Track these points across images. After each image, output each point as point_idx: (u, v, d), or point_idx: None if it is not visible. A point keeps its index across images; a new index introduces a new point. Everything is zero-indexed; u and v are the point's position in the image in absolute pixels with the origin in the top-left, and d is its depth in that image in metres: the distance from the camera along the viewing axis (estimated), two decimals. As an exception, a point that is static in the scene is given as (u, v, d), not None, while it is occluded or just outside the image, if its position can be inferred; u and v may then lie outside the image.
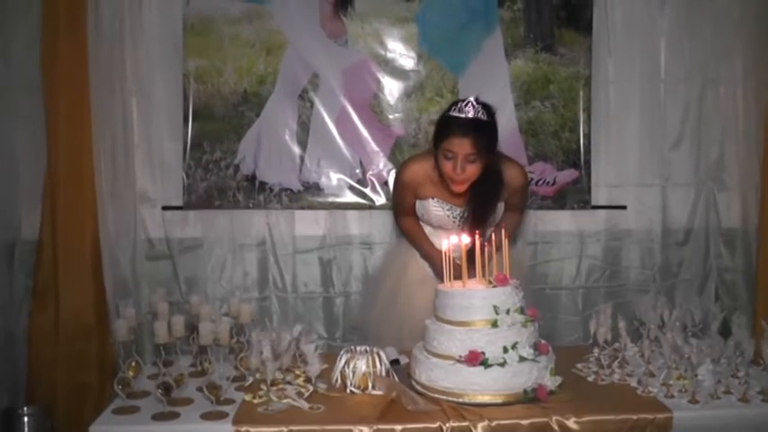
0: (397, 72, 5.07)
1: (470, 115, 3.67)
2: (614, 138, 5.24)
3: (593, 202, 5.22)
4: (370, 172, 5.09)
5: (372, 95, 5.07)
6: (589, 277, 5.35)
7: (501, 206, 4.02)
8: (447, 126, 3.72)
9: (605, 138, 5.22)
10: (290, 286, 5.20)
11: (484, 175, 3.78)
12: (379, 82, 5.07)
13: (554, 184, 5.15)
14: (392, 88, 5.08)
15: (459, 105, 3.70)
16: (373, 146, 5.08)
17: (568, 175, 5.15)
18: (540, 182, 5.12)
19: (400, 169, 4.11)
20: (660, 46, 5.19)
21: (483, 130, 3.69)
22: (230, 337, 3.57)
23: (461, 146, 3.69)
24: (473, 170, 3.74)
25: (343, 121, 5.04)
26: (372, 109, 5.05)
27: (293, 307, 5.19)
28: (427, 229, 4.14)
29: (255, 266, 5.18)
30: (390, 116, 5.08)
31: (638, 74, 5.21)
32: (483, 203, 3.91)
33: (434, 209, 4.02)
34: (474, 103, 3.69)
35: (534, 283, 4.80)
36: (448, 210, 4.01)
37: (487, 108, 3.73)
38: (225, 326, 3.55)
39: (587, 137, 5.12)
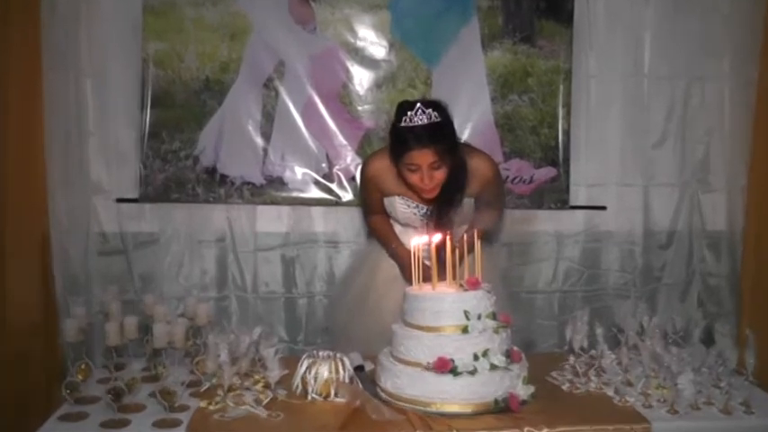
0: (367, 61, 5.06)
1: (424, 122, 3.67)
2: (595, 135, 5.24)
3: (572, 202, 5.24)
4: (337, 166, 5.08)
5: (341, 85, 5.04)
6: (566, 281, 5.37)
7: (470, 202, 4.01)
8: (403, 140, 3.72)
9: (585, 134, 5.22)
10: (250, 286, 5.18)
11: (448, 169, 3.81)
12: (348, 71, 5.05)
13: (531, 182, 5.14)
14: (362, 78, 5.06)
15: (408, 115, 3.68)
16: (341, 139, 5.07)
17: (546, 173, 5.15)
18: (517, 180, 5.12)
19: (363, 166, 4.18)
20: (644, 40, 5.18)
21: (441, 133, 3.71)
22: (186, 340, 3.58)
23: (423, 157, 3.71)
24: (440, 175, 3.78)
25: (309, 112, 5.02)
26: (341, 100, 5.04)
27: (253, 308, 5.17)
28: (397, 228, 4.18)
29: (214, 264, 5.17)
30: (360, 107, 5.07)
31: (620, 69, 5.21)
32: (446, 197, 3.90)
33: (401, 207, 4.06)
34: (423, 108, 3.68)
35: (508, 286, 4.68)
36: (414, 207, 4.04)
37: (437, 106, 3.74)
38: (180, 327, 3.54)
39: (567, 133, 5.12)
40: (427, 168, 3.72)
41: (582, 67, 5.16)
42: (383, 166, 3.99)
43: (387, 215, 4.16)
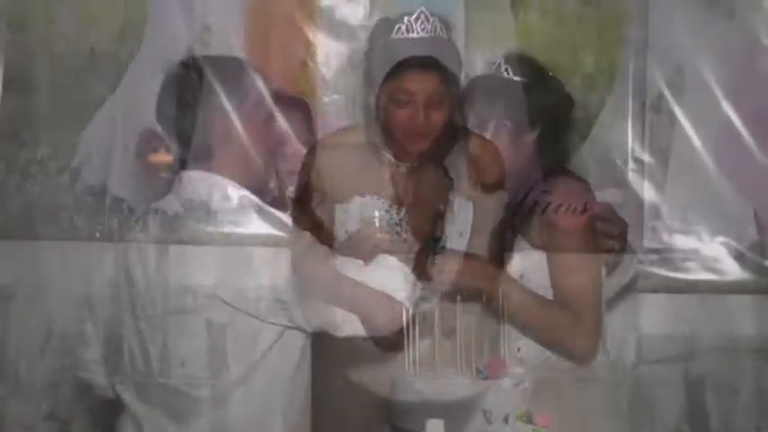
0: (338, 27, 4.57)
1: (427, 33, 3.52)
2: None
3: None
4: (293, 187, 4.53)
5: (298, 65, 4.66)
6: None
7: (495, 202, 3.77)
8: (394, 57, 3.52)
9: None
10: (157, 368, 4.29)
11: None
12: (308, 43, 4.58)
13: (583, 212, 4.34)
14: (330, 53, 4.62)
15: (406, 22, 3.52)
16: (297, 145, 4.46)
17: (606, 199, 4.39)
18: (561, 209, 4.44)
19: (314, 147, 3.92)
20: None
21: (449, 55, 3.57)
22: (55, 455, 3.56)
23: (423, 83, 3.52)
24: (439, 118, 3.57)
25: (248, 106, 4.49)
26: (298, 86, 4.66)
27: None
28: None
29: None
30: (326, 98, 4.67)
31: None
32: (433, 157, 3.64)
33: (367, 211, 3.75)
34: (427, 13, 3.54)
35: (551, 368, 4.12)
36: (385, 211, 3.73)
37: (445, 22, 3.62)
38: (48, 434, 3.64)
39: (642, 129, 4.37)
40: (424, 102, 3.53)
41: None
42: (350, 148, 3.81)
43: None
